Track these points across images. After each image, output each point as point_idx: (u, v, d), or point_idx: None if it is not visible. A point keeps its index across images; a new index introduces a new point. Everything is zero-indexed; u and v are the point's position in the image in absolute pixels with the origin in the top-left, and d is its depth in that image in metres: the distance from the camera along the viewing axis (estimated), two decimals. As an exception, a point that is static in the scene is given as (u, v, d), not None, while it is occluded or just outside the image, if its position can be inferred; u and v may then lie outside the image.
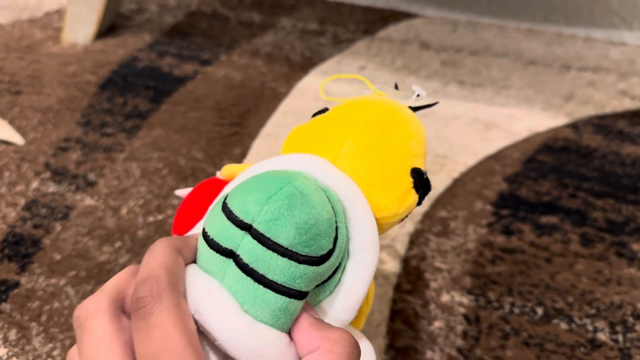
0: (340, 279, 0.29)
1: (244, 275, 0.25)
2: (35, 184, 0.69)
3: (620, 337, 0.52)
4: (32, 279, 0.57)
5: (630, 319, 0.54)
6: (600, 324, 0.53)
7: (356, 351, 0.25)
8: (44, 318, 0.53)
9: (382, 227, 0.33)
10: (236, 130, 0.80)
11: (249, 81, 0.94)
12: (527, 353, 0.50)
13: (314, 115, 0.36)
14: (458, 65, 1.01)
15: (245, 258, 0.25)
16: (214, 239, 0.26)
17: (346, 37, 1.10)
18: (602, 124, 0.85)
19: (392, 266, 0.59)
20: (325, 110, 0.36)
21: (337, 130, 0.33)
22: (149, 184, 0.69)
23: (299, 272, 0.25)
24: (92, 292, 0.55)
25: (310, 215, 0.25)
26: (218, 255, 0.26)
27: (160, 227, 0.63)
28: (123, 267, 0.58)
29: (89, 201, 0.66)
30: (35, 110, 0.83)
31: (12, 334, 0.51)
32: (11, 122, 0.80)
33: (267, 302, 0.25)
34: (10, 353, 0.50)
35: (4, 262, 0.58)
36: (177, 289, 0.24)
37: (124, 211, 0.65)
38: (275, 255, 0.25)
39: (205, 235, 0.27)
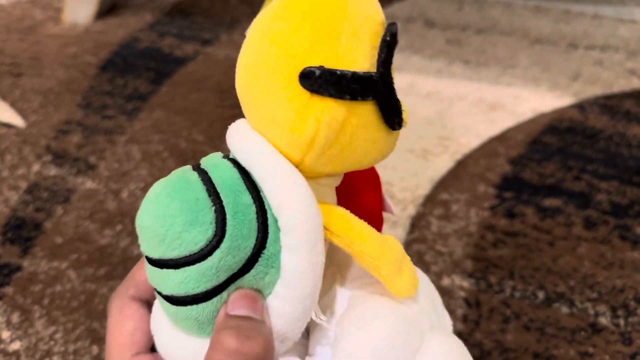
0: (279, 262, 0.25)
1: (157, 294, 0.26)
2: (36, 167, 0.69)
3: (621, 321, 0.52)
4: (34, 263, 0.57)
5: (632, 303, 0.54)
6: (602, 308, 0.53)
7: (236, 357, 0.22)
8: (46, 301, 0.53)
9: (327, 162, 0.25)
10: (238, 112, 0.80)
11: (251, 61, 0.93)
12: (527, 337, 0.50)
13: None
14: (463, 44, 1.00)
15: (149, 278, 0.26)
16: None
17: (350, 15, 1.09)
18: (609, 104, 0.84)
19: (393, 249, 0.59)
20: None
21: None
22: (149, 166, 0.69)
23: (180, 277, 0.23)
24: (93, 275, 0.56)
25: (161, 219, 0.23)
26: None
27: (161, 210, 0.63)
28: (124, 250, 0.58)
29: (90, 184, 0.66)
30: (37, 93, 0.83)
31: (15, 317, 0.52)
32: (13, 105, 0.80)
33: (174, 314, 0.25)
34: (13, 336, 0.50)
35: (6, 246, 0.59)
36: (127, 294, 0.28)
37: (125, 194, 0.65)
38: (155, 269, 0.24)
39: None
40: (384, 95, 0.24)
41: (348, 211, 0.26)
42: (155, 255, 0.24)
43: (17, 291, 0.54)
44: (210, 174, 0.24)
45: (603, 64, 0.94)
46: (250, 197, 0.24)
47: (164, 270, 0.24)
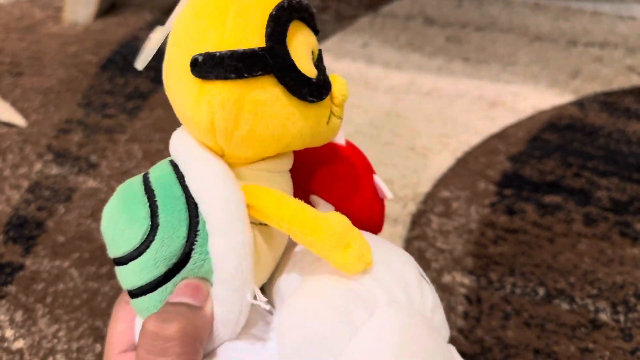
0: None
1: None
2: (38, 166, 0.69)
3: (621, 317, 0.52)
4: (36, 261, 0.57)
5: (632, 299, 0.54)
6: (602, 304, 0.53)
7: (155, 340, 0.24)
8: (49, 300, 0.53)
9: (244, 142, 0.25)
10: (238, 110, 0.80)
11: (251, 60, 0.93)
12: (528, 333, 0.50)
13: None
14: (463, 41, 1.00)
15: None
16: None
17: (349, 13, 1.09)
18: (609, 101, 0.84)
19: (394, 247, 0.59)
20: None
21: None
22: (151, 165, 0.69)
23: (128, 272, 0.26)
24: (95, 274, 0.56)
25: (108, 222, 0.26)
26: None
27: (163, 208, 0.63)
28: (126, 249, 0.58)
29: (91, 183, 0.67)
30: (37, 92, 0.83)
31: (18, 316, 0.52)
32: (13, 104, 0.80)
33: (135, 307, 0.27)
34: (17, 334, 0.50)
35: (8, 245, 0.59)
36: (123, 298, 0.30)
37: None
38: (116, 268, 0.27)
39: None
40: (278, 67, 0.24)
41: (281, 192, 0.26)
42: (112, 255, 0.26)
43: (20, 290, 0.54)
44: (150, 174, 0.26)
45: (602, 60, 0.94)
46: (180, 189, 0.25)
47: (119, 267, 0.26)
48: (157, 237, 0.25)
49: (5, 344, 0.50)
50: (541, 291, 0.54)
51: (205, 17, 0.24)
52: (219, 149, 0.26)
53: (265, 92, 0.24)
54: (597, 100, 0.84)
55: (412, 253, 0.58)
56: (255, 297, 0.25)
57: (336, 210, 0.30)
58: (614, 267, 0.57)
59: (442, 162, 0.71)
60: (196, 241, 0.25)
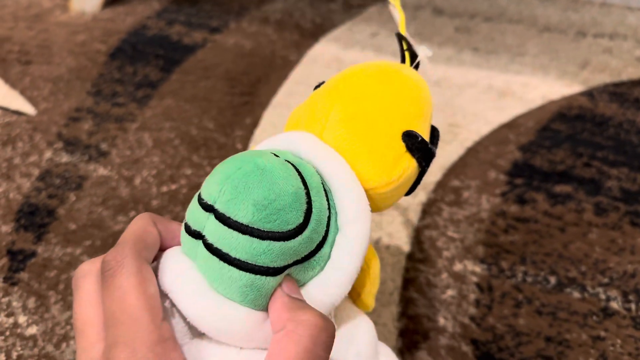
0: (329, 254, 0.28)
1: (210, 255, 0.26)
2: (48, 154, 0.69)
3: (632, 306, 0.52)
4: (48, 249, 0.57)
5: (644, 288, 0.54)
6: (613, 292, 0.53)
7: (323, 334, 0.24)
8: (61, 287, 0.54)
9: (378, 198, 0.32)
10: (247, 100, 0.80)
11: (259, 49, 0.93)
12: (539, 321, 0.51)
13: (314, 89, 0.36)
14: (472, 31, 0.99)
15: (210, 238, 0.26)
16: (187, 223, 0.27)
17: (357, 2, 1.08)
18: (618, 91, 0.84)
19: (405, 235, 0.59)
20: (322, 83, 0.36)
21: (324, 101, 0.33)
22: (161, 154, 0.69)
23: (262, 249, 0.25)
24: (107, 261, 0.56)
25: (269, 191, 0.25)
26: (190, 237, 0.27)
27: (174, 196, 0.63)
28: (138, 236, 0.58)
29: (102, 171, 0.67)
30: (46, 80, 0.83)
31: (31, 302, 0.52)
32: (22, 93, 0.80)
33: (232, 279, 0.25)
34: (30, 320, 0.51)
35: (20, 232, 0.59)
36: (141, 255, 0.26)
37: (137, 181, 0.65)
38: (236, 233, 0.25)
39: (184, 221, 0.28)
40: (430, 156, 0.33)
41: None
42: (244, 220, 0.25)
43: (32, 277, 0.54)
44: (301, 172, 0.28)
45: (612, 51, 0.94)
46: (327, 203, 0.28)
47: (246, 236, 0.25)
48: (304, 234, 0.26)
49: (19, 330, 0.50)
50: (552, 280, 0.54)
51: (416, 105, 0.33)
52: (368, 185, 0.31)
53: (415, 173, 0.33)
54: (607, 91, 0.84)
55: (422, 242, 0.58)
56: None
57: None
58: (624, 256, 0.57)
59: (453, 151, 0.71)
60: (319, 251, 0.28)
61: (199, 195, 0.27)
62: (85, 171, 0.67)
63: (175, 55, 0.90)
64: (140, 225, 0.28)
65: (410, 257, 0.57)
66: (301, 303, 0.26)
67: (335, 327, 0.29)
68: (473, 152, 0.71)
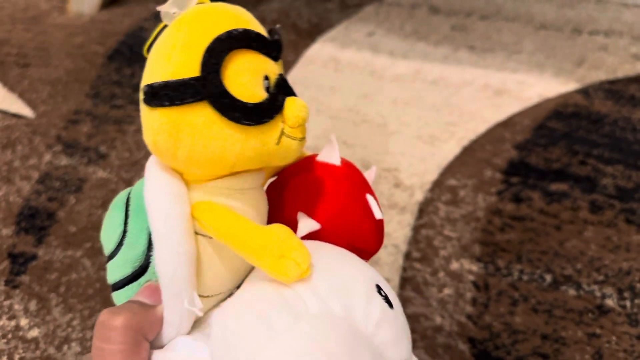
0: None
1: None
2: (47, 157, 0.70)
3: (628, 303, 0.53)
4: (49, 251, 0.58)
5: (638, 285, 0.54)
6: (609, 290, 0.54)
7: (102, 330, 0.26)
8: (62, 289, 0.54)
9: (190, 162, 0.27)
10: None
11: (257, 50, 0.93)
12: (535, 319, 0.51)
13: None
14: (468, 29, 1.00)
15: None
16: None
17: (354, 1, 1.09)
18: (614, 89, 0.84)
19: (402, 234, 0.60)
20: None
21: None
22: (159, 155, 0.70)
23: (109, 268, 0.29)
24: (108, 263, 0.56)
25: (104, 225, 0.30)
26: None
27: (173, 198, 0.64)
28: (137, 238, 0.59)
29: (101, 173, 0.67)
30: (44, 83, 0.83)
31: (33, 305, 0.53)
32: (21, 96, 0.80)
33: (115, 299, 0.30)
34: (31, 323, 0.51)
35: (20, 235, 0.59)
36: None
37: (136, 183, 0.66)
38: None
39: None
40: (209, 94, 0.26)
41: (230, 210, 0.28)
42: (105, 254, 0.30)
43: (33, 279, 0.55)
44: (133, 187, 0.30)
45: (607, 49, 0.94)
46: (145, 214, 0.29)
47: (107, 264, 0.30)
48: (125, 242, 0.29)
49: (21, 333, 0.50)
50: (548, 277, 0.55)
51: (159, 51, 0.27)
52: (177, 169, 0.28)
53: (199, 116, 0.26)
54: (602, 88, 0.84)
55: (419, 241, 0.59)
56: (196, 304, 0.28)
57: (323, 228, 0.32)
58: (620, 254, 0.58)
59: (449, 150, 0.71)
60: (152, 252, 0.29)
61: None
62: (85, 173, 0.67)
63: (172, 56, 0.90)
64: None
65: (407, 256, 0.57)
66: (123, 304, 0.28)
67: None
68: (469, 151, 0.71)
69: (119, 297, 0.30)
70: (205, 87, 0.26)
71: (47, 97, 0.80)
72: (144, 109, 0.27)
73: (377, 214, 0.33)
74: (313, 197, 0.33)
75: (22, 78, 0.84)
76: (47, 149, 0.71)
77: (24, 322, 0.51)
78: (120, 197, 0.31)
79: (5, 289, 0.54)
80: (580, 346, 0.49)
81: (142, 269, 0.29)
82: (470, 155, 0.71)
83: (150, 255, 0.29)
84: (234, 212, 0.28)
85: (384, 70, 0.88)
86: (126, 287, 0.29)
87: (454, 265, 0.56)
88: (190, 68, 0.26)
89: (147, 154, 0.69)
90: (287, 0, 1.09)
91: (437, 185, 0.66)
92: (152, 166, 0.29)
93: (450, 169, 0.69)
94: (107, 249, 0.30)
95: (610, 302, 0.53)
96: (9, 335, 0.50)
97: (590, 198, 0.64)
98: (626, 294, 0.54)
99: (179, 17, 0.28)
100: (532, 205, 0.63)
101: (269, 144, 0.28)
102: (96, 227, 0.60)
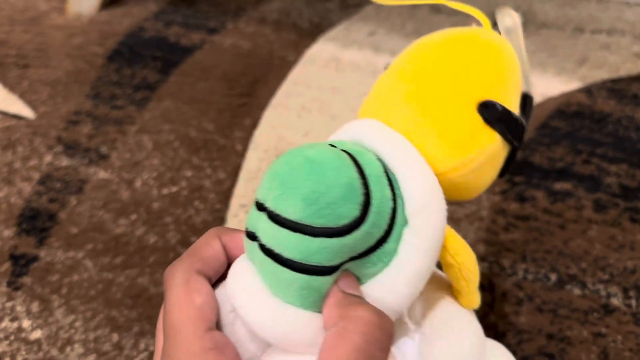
0: (396, 249, 0.25)
1: (265, 256, 0.24)
2: (48, 158, 0.69)
3: (633, 302, 0.53)
4: (50, 253, 0.57)
5: (644, 284, 0.54)
6: (614, 289, 0.54)
7: (377, 332, 0.22)
8: (64, 290, 0.54)
9: (456, 183, 0.27)
10: (246, 101, 0.80)
11: (257, 50, 0.93)
12: (540, 319, 0.51)
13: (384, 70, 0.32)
14: (469, 29, 0.99)
15: (263, 238, 0.24)
16: (246, 226, 0.26)
17: (354, 1, 1.09)
18: (616, 88, 0.84)
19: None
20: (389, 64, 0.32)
21: (389, 81, 0.29)
22: (161, 156, 0.69)
23: (315, 247, 0.23)
24: (109, 264, 0.56)
25: (319, 184, 0.23)
26: (249, 240, 0.26)
27: (175, 199, 0.63)
28: (139, 239, 0.59)
29: (102, 174, 0.67)
30: (44, 84, 0.83)
31: (35, 307, 0.52)
32: (21, 96, 0.80)
33: (288, 281, 0.24)
34: (34, 325, 0.51)
35: (22, 237, 0.59)
36: (192, 268, 0.26)
37: (138, 184, 0.65)
38: (286, 231, 0.23)
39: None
40: (520, 145, 0.28)
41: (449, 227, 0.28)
42: (293, 217, 0.23)
43: (35, 281, 0.55)
44: (358, 159, 0.25)
45: (609, 47, 0.94)
46: (390, 192, 0.25)
47: (297, 234, 0.23)
48: (362, 228, 0.24)
49: (23, 335, 0.50)
50: (553, 277, 0.55)
51: (496, 71, 0.28)
52: (439, 169, 0.27)
53: (502, 159, 0.28)
54: (605, 87, 0.84)
55: (423, 241, 0.59)
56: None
57: None
58: (624, 253, 0.57)
59: (452, 150, 0.71)
60: (381, 246, 0.25)
61: (255, 197, 0.26)
62: (86, 174, 0.67)
63: (173, 56, 0.90)
64: (201, 240, 0.28)
65: (411, 256, 0.57)
66: (355, 299, 0.24)
67: (432, 330, 0.28)
68: (472, 151, 0.71)
69: (320, 283, 0.24)
70: (522, 137, 0.28)
71: (47, 98, 0.80)
72: (471, 114, 0.27)
73: None
74: None
75: (22, 79, 0.84)
76: (47, 150, 0.70)
77: (26, 323, 0.51)
78: (337, 154, 0.25)
79: (7, 291, 0.54)
80: (586, 346, 0.49)
81: (352, 258, 0.24)
82: (473, 155, 0.71)
83: (380, 247, 0.25)
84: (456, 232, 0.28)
85: (386, 69, 0.87)
86: (335, 274, 0.24)
87: (458, 265, 0.56)
88: (516, 110, 0.28)
89: (149, 155, 0.69)
90: (288, 0, 1.09)
91: (440, 184, 0.66)
92: (413, 152, 0.26)
93: (453, 169, 0.68)
94: (322, 220, 0.23)
95: (615, 301, 0.53)
96: (12, 337, 0.50)
97: (594, 197, 0.64)
98: (631, 293, 0.53)
99: (466, 31, 0.30)
100: (536, 204, 0.63)
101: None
102: (98, 228, 0.60)
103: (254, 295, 0.25)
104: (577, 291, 0.53)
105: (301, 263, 0.23)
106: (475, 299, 0.29)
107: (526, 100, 0.29)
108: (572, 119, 0.77)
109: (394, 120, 0.28)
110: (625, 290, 0.54)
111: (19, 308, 0.52)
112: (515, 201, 0.64)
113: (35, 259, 0.57)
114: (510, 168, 0.29)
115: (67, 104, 0.79)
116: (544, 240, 0.59)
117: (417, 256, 0.25)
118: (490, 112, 0.27)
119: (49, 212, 0.62)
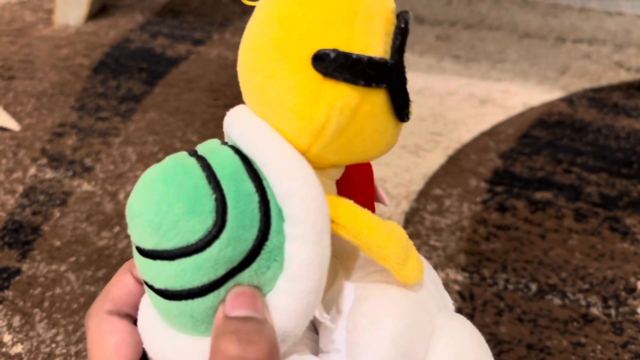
0: (284, 245, 0.23)
1: (148, 289, 0.23)
2: (32, 170, 0.69)
3: (612, 312, 0.53)
4: (32, 266, 0.57)
5: (623, 293, 0.55)
6: (593, 298, 0.54)
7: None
8: (46, 304, 0.54)
9: (334, 151, 0.24)
10: (231, 112, 0.81)
11: (243, 60, 0.93)
12: (521, 329, 0.51)
13: None
14: (453, 39, 1.00)
15: (140, 272, 0.24)
16: None
17: (340, 12, 1.10)
18: (597, 97, 0.85)
19: (388, 245, 0.60)
20: None
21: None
22: (145, 167, 0.69)
23: (173, 271, 0.21)
24: (92, 277, 0.56)
25: (160, 204, 0.21)
26: None
27: (158, 211, 0.63)
28: (122, 251, 0.59)
29: (86, 187, 0.67)
30: (30, 95, 0.83)
31: (16, 321, 0.52)
32: (6, 108, 0.80)
33: (166, 311, 0.23)
34: (14, 339, 0.51)
35: (4, 250, 0.59)
36: (101, 310, 0.26)
37: (121, 196, 0.65)
38: (150, 261, 0.22)
39: None
40: (396, 83, 0.23)
41: (352, 201, 0.25)
42: (148, 245, 0.22)
43: (17, 295, 0.54)
44: (209, 160, 0.23)
45: (591, 57, 0.95)
46: (252, 185, 0.22)
47: (157, 261, 0.22)
48: (222, 236, 0.21)
49: (4, 349, 0.50)
50: (533, 287, 0.55)
51: (331, 8, 0.22)
52: (304, 149, 0.23)
53: (377, 105, 0.23)
54: (586, 96, 0.85)
55: (406, 251, 0.59)
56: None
57: None
58: (604, 262, 0.58)
59: (434, 160, 0.72)
60: (265, 246, 0.22)
61: None
62: (70, 187, 0.67)
63: (158, 68, 0.90)
64: (113, 278, 0.27)
65: (393, 267, 0.57)
66: (231, 325, 0.22)
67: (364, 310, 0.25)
68: (454, 160, 0.72)
69: (193, 308, 0.22)
70: (396, 75, 0.23)
71: (32, 109, 0.80)
72: (308, 75, 0.22)
73: (387, 202, 0.34)
74: (347, 183, 0.30)
75: (7, 91, 0.84)
76: (31, 162, 0.70)
77: (7, 338, 0.51)
78: (190, 172, 0.22)
79: (-12, 306, 0.54)
80: (566, 355, 0.49)
81: (234, 271, 0.22)
82: (455, 165, 0.71)
83: (259, 255, 0.22)
84: (359, 206, 0.24)
85: (370, 80, 0.88)
86: (210, 295, 0.22)
87: (440, 275, 0.56)
88: (377, 45, 0.23)
89: (132, 166, 0.69)
90: (274, 11, 1.10)
91: (423, 195, 0.66)
92: (272, 137, 0.23)
93: (435, 179, 0.69)
94: (174, 242, 0.21)
95: (595, 311, 0.53)
96: (-8, 353, 0.50)
97: (575, 206, 0.65)
98: (611, 303, 0.54)
99: None
100: (517, 214, 0.64)
101: (395, 143, 0.26)
102: (81, 241, 0.60)
103: (154, 329, 0.24)
104: (557, 301, 0.54)
105: (167, 290, 0.22)
106: (409, 273, 0.24)
107: (400, 22, 0.24)
108: (553, 128, 0.78)
109: (248, 103, 0.25)
110: (604, 300, 0.54)
111: None
112: (496, 211, 0.64)
113: (17, 272, 0.57)
114: (405, 106, 0.24)
115: (52, 115, 0.79)
116: (525, 249, 0.59)
117: (303, 247, 0.22)
118: (325, 65, 0.22)
119: (32, 225, 0.62)
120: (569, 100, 0.84)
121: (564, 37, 1.01)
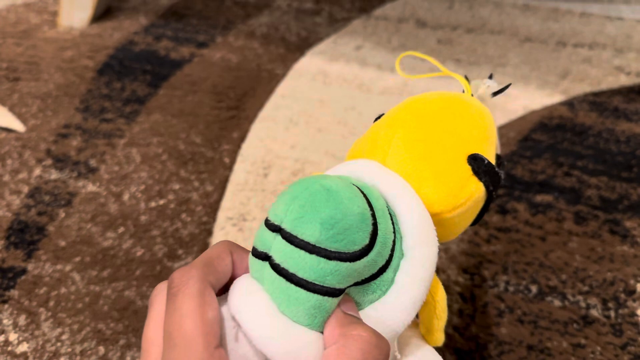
0: (393, 279, 0.28)
1: (277, 276, 0.25)
2: (37, 171, 0.70)
3: (612, 314, 0.54)
4: (38, 266, 0.58)
5: (622, 296, 0.55)
6: (593, 300, 0.55)
7: (375, 351, 0.24)
8: (51, 303, 0.54)
9: (445, 225, 0.31)
10: (234, 114, 0.81)
11: (246, 63, 0.94)
12: (521, 330, 0.52)
13: (375, 121, 0.36)
14: (454, 43, 1.01)
15: (277, 258, 0.25)
16: (254, 246, 0.27)
17: (342, 15, 1.10)
18: (598, 101, 0.86)
19: (390, 247, 0.60)
20: (382, 115, 0.35)
21: (386, 129, 0.33)
22: (149, 169, 0.70)
23: (329, 269, 0.25)
24: (97, 277, 0.57)
25: (336, 210, 0.25)
26: (257, 260, 0.27)
27: (162, 212, 0.64)
28: (127, 252, 0.59)
29: (91, 187, 0.67)
30: (34, 97, 0.83)
31: (22, 320, 0.53)
32: (11, 109, 0.81)
33: (299, 301, 0.25)
34: (20, 338, 0.51)
35: (10, 250, 0.60)
36: (206, 279, 0.26)
37: (126, 197, 0.66)
38: (303, 252, 0.25)
39: (252, 246, 0.28)
40: (496, 198, 0.33)
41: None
42: (311, 239, 0.25)
43: (23, 294, 0.55)
44: (366, 194, 0.28)
45: (591, 61, 0.96)
46: (392, 226, 0.28)
47: (313, 256, 0.25)
48: (369, 255, 0.26)
49: (10, 348, 0.50)
50: (534, 288, 0.56)
51: (479, 130, 0.32)
52: (435, 210, 0.31)
53: (482, 200, 0.32)
54: (587, 100, 0.86)
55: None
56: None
57: None
58: (604, 265, 0.59)
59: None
60: (381, 276, 0.27)
61: (266, 218, 0.27)
62: (74, 187, 0.67)
63: (162, 70, 0.91)
64: (215, 251, 0.28)
65: (395, 268, 0.58)
66: (355, 319, 0.25)
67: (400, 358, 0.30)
68: (456, 163, 0.72)
69: (331, 304, 0.26)
70: (498, 187, 0.32)
71: (37, 111, 0.81)
72: (463, 165, 0.30)
73: None
74: None
75: (12, 92, 0.84)
76: (37, 163, 0.71)
77: (12, 337, 0.51)
78: (356, 192, 0.27)
79: (-6, 304, 0.54)
80: (566, 357, 0.50)
81: (355, 284, 0.26)
82: (457, 168, 0.72)
83: (379, 276, 0.27)
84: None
85: (372, 83, 0.89)
86: (341, 296, 0.26)
87: (441, 277, 0.57)
88: (493, 158, 0.33)
89: (137, 168, 0.69)
90: (276, 14, 1.10)
91: (425, 197, 0.67)
92: (413, 194, 0.30)
93: (437, 181, 0.69)
94: (337, 245, 0.25)
95: (594, 313, 0.54)
96: (-2, 351, 0.50)
97: (575, 209, 0.65)
98: (610, 304, 0.54)
99: (452, 94, 0.34)
100: (518, 216, 0.64)
101: None
102: (86, 241, 0.60)
103: (262, 313, 0.25)
104: (557, 302, 0.55)
105: (314, 284, 0.25)
106: (442, 337, 0.32)
107: (499, 159, 0.34)
108: (554, 131, 0.79)
109: (392, 163, 0.31)
110: (604, 302, 0.55)
111: (5, 321, 0.53)
112: (497, 213, 0.65)
113: (23, 271, 0.57)
114: (482, 218, 0.33)
115: (57, 117, 0.79)
116: (525, 252, 0.60)
117: (413, 285, 0.27)
118: (479, 165, 0.31)
119: (38, 225, 0.62)
120: (569, 104, 0.85)
121: (564, 41, 1.02)
